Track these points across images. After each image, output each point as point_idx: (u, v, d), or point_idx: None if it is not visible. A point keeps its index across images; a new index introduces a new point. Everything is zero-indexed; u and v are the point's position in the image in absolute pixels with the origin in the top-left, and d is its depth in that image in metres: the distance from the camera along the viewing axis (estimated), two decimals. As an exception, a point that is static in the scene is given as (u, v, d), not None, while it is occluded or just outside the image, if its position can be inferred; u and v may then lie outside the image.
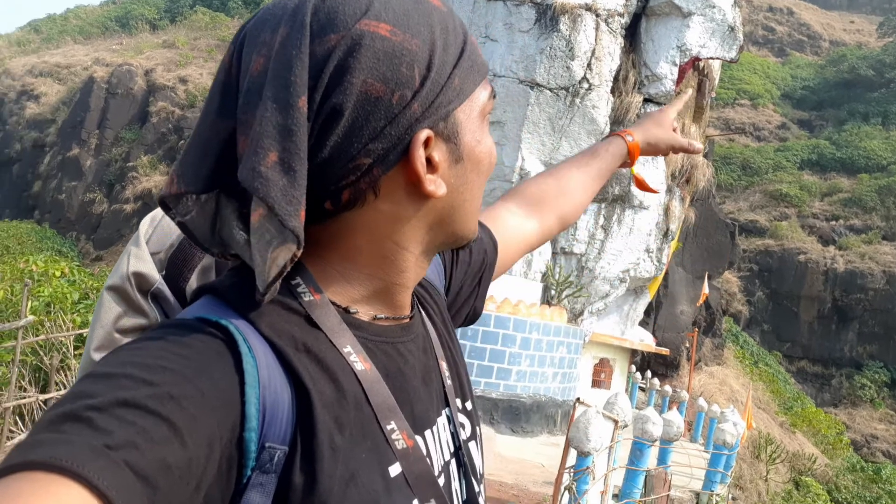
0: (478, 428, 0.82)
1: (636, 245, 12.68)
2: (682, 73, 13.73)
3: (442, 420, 0.74)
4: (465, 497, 0.75)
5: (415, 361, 0.72)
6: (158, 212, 0.94)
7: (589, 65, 11.82)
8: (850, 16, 35.55)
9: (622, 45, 12.56)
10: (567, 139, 11.93)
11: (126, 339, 0.82)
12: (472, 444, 0.79)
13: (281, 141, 0.56)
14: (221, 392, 0.54)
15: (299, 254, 0.58)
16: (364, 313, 0.68)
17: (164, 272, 0.88)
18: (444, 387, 0.76)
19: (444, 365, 0.78)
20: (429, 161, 0.64)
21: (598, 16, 12.16)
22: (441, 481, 0.69)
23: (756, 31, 31.30)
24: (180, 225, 0.64)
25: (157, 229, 0.94)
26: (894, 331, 20.83)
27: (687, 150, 1.24)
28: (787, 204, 21.79)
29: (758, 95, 26.63)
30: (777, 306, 22.49)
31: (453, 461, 0.74)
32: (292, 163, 0.56)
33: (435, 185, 0.65)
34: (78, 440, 0.45)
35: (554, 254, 11.78)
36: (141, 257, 0.88)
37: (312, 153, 0.59)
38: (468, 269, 0.96)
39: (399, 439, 0.65)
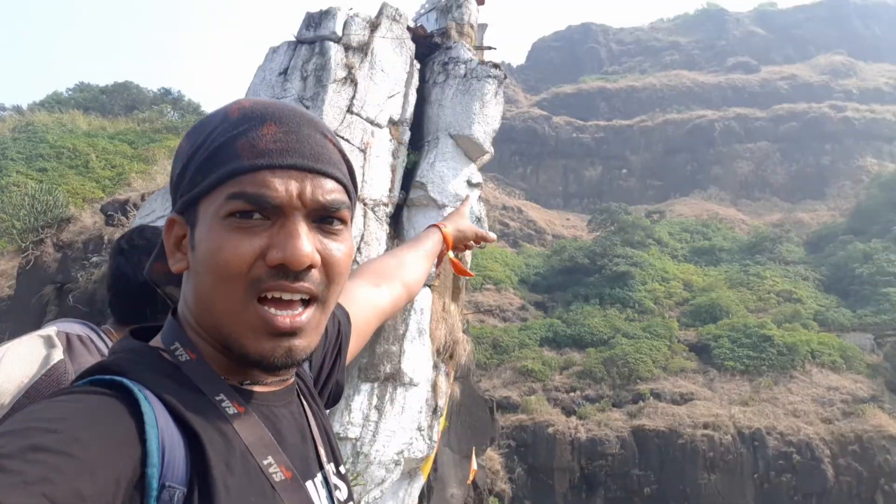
0: (352, 492, 0.87)
1: (408, 424, 12.64)
2: (440, 257, 14.77)
3: (319, 479, 0.79)
4: None
5: (290, 423, 0.78)
6: None
7: (359, 249, 12.30)
8: (566, 214, 42.68)
9: (388, 231, 13.37)
10: (338, 320, 11.97)
11: None
12: None
13: None
14: (122, 435, 0.58)
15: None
16: (232, 379, 0.74)
17: None
18: (317, 451, 0.81)
19: (316, 432, 0.83)
20: (184, 240, 0.74)
21: (365, 205, 12.91)
22: None
23: (494, 226, 35.66)
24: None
25: None
26: (634, 493, 22.82)
27: (486, 238, 1.47)
28: (533, 379, 23.79)
29: (500, 281, 29.85)
30: (535, 481, 23.53)
31: None
32: None
33: (174, 259, 0.75)
34: None
35: (354, 498, 11.28)
36: None
37: None
38: (325, 343, 1.00)
39: (277, 472, 0.69)
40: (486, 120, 15.74)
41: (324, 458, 0.82)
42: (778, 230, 38.80)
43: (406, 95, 14.86)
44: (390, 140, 14.91)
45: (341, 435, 12.36)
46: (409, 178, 14.82)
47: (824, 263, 35.45)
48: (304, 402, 0.84)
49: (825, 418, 23.07)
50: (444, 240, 1.35)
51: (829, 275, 34.34)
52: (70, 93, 28.62)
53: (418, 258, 1.28)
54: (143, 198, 14.34)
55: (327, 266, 0.73)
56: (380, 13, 11.82)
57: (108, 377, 0.64)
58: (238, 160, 0.70)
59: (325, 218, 0.73)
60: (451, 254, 1.39)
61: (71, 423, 0.55)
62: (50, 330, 1.23)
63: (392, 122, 14.88)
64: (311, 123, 0.75)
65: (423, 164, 15.28)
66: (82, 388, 0.63)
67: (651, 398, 23.53)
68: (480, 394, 20.37)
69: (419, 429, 12.97)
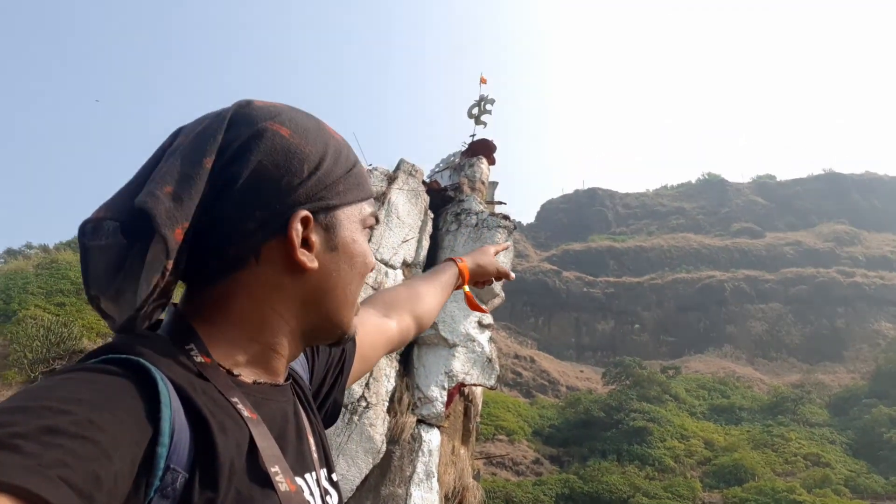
0: (342, 500, 0.88)
1: (414, 575, 11.65)
2: (450, 396, 14.46)
3: (313, 476, 0.80)
4: None
5: (290, 418, 0.80)
6: None
7: (367, 385, 12.12)
8: (579, 366, 41.99)
9: (397, 368, 13.23)
10: (344, 456, 11.51)
11: None
12: None
13: (180, 181, 0.70)
14: (136, 415, 0.59)
15: (169, 265, 0.68)
16: (246, 376, 0.77)
17: None
18: (311, 452, 0.82)
19: (310, 437, 0.84)
20: (306, 241, 0.77)
21: (376, 336, 12.89)
22: None
23: (506, 375, 35.05)
24: (92, 250, 0.71)
25: None
26: None
27: (507, 275, 1.49)
28: (550, 540, 22.13)
29: (513, 431, 28.73)
30: None
31: None
32: (182, 196, 0.69)
33: (306, 257, 0.77)
34: (10, 463, 0.47)
35: None
36: None
37: (211, 207, 0.72)
38: (329, 358, 1.04)
39: (282, 482, 0.69)
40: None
41: (316, 462, 0.83)
42: (798, 391, 37.73)
43: (420, 241, 15.36)
44: (403, 280, 15.22)
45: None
46: (421, 318, 14.98)
47: (850, 427, 34.06)
48: (301, 406, 0.87)
49: None
50: (461, 273, 1.38)
51: (857, 439, 32.87)
52: (96, 235, 29.72)
53: (432, 290, 1.31)
54: (156, 332, 14.33)
55: None
56: (397, 168, 12.63)
57: (122, 356, 0.65)
58: (369, 186, 0.85)
59: None
60: (466, 287, 1.42)
61: (85, 405, 0.55)
62: None
63: (406, 264, 15.29)
64: None
65: (435, 305, 15.49)
66: (94, 365, 0.63)
67: (677, 566, 21.66)
68: (492, 550, 18.91)
69: (426, 580, 11.90)
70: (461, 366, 14.16)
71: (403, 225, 15.53)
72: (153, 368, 0.64)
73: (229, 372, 0.74)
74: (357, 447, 11.68)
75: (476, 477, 15.91)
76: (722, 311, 48.80)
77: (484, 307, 1.50)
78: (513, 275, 1.52)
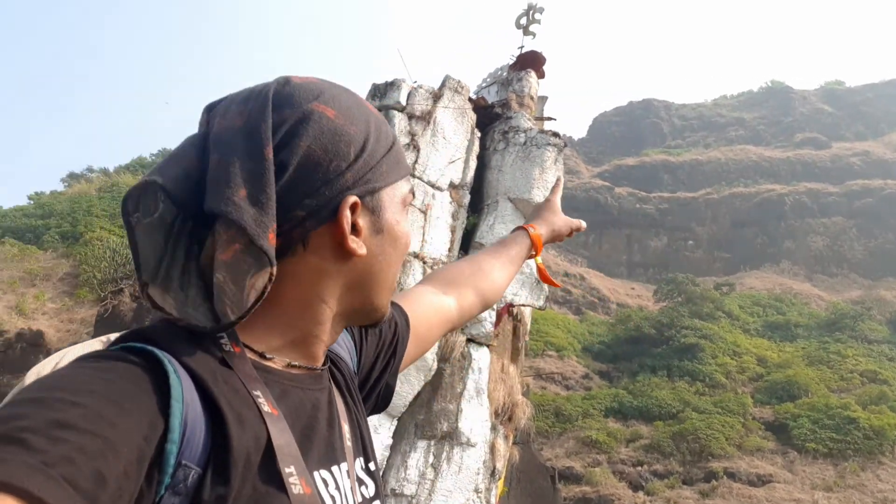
0: (381, 490, 0.85)
1: (465, 484, 12.14)
2: (499, 317, 14.55)
3: (344, 467, 0.77)
4: None
5: (322, 407, 0.78)
6: (47, 364, 0.89)
7: (418, 301, 12.26)
8: (630, 283, 41.82)
9: (447, 289, 13.33)
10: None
11: None
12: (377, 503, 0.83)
13: (251, 181, 0.67)
14: (147, 410, 0.57)
15: (275, 272, 0.67)
16: (279, 360, 0.74)
17: None
18: (343, 442, 0.79)
19: (345, 425, 0.81)
20: (354, 226, 0.75)
21: (424, 262, 12.93)
22: None
23: (556, 293, 35.22)
24: (139, 228, 0.67)
25: None
26: (707, 578, 21.12)
27: (578, 228, 1.38)
28: (597, 450, 22.71)
29: (562, 348, 29.13)
30: (599, 557, 22.16)
31: None
32: (260, 197, 0.67)
33: (356, 244, 0.75)
34: (14, 459, 0.46)
35: (384, 496, 10.94)
36: None
37: None
38: (380, 341, 1.00)
39: (296, 483, 0.66)
40: (545, 185, 15.86)
41: (349, 451, 0.80)
42: (858, 307, 36.80)
43: (466, 161, 15.10)
44: (450, 202, 15.13)
45: (396, 491, 11.98)
46: (468, 239, 14.98)
47: (911, 344, 33.24)
48: (338, 392, 0.84)
49: (920, 509, 21.06)
50: (533, 243, 1.27)
51: (918, 355, 32.12)
52: (153, 157, 30.50)
53: (499, 265, 1.23)
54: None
55: None
56: (442, 85, 12.17)
57: (139, 345, 0.63)
58: (406, 163, 0.83)
59: None
60: (538, 259, 1.31)
61: (96, 397, 0.54)
62: (112, 335, 1.31)
63: (453, 186, 15.18)
64: None
65: (482, 226, 15.41)
66: (113, 352, 0.63)
67: (725, 477, 22.04)
68: (542, 461, 19.54)
69: (476, 490, 12.44)
70: (510, 287, 14.26)
71: (449, 145, 15.24)
72: (166, 360, 0.62)
73: (261, 355, 0.73)
74: (406, 368, 12.04)
75: (525, 393, 16.30)
76: (780, 226, 47.32)
77: (556, 281, 1.41)
78: (584, 224, 1.41)
